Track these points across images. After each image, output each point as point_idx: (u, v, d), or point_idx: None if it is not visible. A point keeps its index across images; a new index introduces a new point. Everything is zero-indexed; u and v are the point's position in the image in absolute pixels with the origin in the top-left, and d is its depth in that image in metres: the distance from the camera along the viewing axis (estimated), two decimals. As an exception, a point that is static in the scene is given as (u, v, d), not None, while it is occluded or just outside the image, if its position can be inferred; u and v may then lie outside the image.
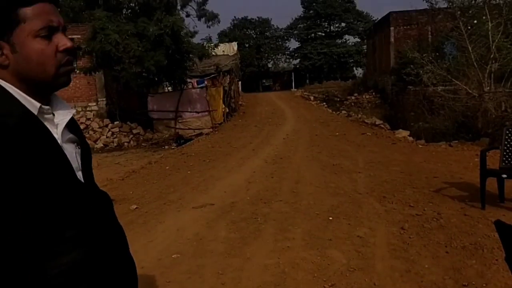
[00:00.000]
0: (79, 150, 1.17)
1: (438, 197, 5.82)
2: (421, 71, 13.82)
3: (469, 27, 12.09)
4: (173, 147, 14.87)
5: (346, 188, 6.61)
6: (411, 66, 15.04)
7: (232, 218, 5.48)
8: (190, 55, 17.18)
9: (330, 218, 5.19)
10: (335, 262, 3.94)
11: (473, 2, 12.59)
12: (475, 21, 12.02)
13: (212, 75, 20.93)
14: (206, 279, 3.76)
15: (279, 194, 6.52)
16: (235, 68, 26.73)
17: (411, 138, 12.24)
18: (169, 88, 19.25)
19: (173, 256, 4.28)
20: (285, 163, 9.08)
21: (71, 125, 1.18)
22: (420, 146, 10.71)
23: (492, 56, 11.68)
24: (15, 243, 1.00)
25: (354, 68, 53.24)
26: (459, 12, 12.43)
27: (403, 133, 12.92)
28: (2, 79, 1.06)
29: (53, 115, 1.13)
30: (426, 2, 13.22)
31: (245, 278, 3.73)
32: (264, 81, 54.33)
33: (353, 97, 28.05)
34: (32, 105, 1.06)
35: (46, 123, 1.08)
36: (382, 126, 15.43)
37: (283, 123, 17.23)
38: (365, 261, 3.92)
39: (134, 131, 17.31)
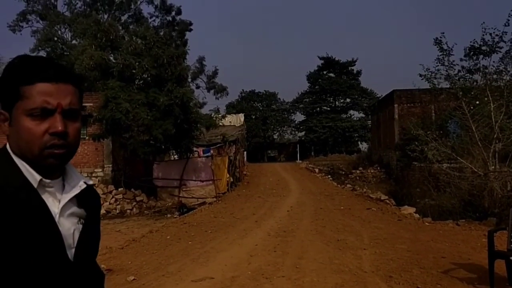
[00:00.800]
0: (81, 226, 1.15)
1: (447, 279, 5.63)
2: (425, 148, 13.96)
3: (471, 107, 12.38)
4: (175, 216, 14.72)
5: (351, 266, 6.42)
6: (416, 142, 15.23)
7: (232, 293, 5.29)
8: (198, 125, 17.58)
9: (334, 298, 4.99)
10: None
11: (474, 84, 13.01)
12: (477, 102, 12.34)
13: (218, 145, 21.24)
14: None
15: (281, 269, 6.34)
16: (241, 138, 27.19)
17: (417, 215, 12.06)
18: (175, 156, 19.48)
19: (168, 334, 4.09)
20: (288, 236, 8.92)
21: (84, 198, 1.17)
22: (427, 224, 10.53)
23: (495, 136, 11.84)
24: None
25: (359, 142, 53.89)
26: (461, 93, 12.80)
27: (409, 210, 12.75)
28: (9, 148, 1.11)
29: (64, 187, 1.14)
30: (428, 82, 13.66)
31: None
32: (269, 152, 54.89)
33: (358, 171, 28.14)
34: (33, 177, 1.08)
35: (46, 197, 1.09)
36: (387, 201, 15.28)
37: (287, 195, 17.14)
38: None
39: (138, 198, 17.26)
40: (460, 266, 6.21)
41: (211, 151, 19.95)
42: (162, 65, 15.77)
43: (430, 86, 14.07)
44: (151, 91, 15.52)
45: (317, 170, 30.43)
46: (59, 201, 1.11)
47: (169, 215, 15.12)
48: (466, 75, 13.34)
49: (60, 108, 1.08)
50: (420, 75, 13.69)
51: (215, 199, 17.08)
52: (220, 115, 19.62)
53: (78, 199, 1.16)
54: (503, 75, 12.66)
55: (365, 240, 8.37)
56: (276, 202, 15.23)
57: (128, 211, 16.58)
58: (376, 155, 29.60)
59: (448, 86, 14.20)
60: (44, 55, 17.88)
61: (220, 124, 19.43)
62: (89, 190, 1.21)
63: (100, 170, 19.06)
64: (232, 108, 49.39)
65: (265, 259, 6.98)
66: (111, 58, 16.03)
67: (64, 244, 1.09)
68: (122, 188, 17.55)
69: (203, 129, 18.30)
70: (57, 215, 1.09)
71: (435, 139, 13.56)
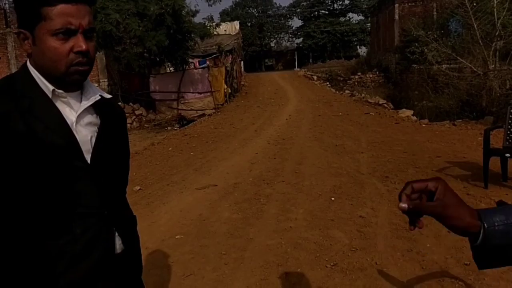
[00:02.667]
0: (96, 134, 1.25)
1: (441, 177, 5.82)
2: (425, 49, 13.69)
3: (474, 4, 11.89)
4: (175, 128, 14.87)
5: (349, 169, 6.63)
6: (416, 44, 14.88)
7: (235, 199, 5.52)
8: (192, 35, 17.02)
9: (332, 199, 5.22)
10: (337, 242, 3.98)
11: (479, -22, 12.34)
12: (481, -3, 11.83)
13: (214, 55, 20.78)
14: (209, 259, 3.81)
15: (281, 175, 6.55)
16: (237, 47, 26.50)
17: (414, 118, 12.18)
18: (171, 68, 19.14)
19: (176, 237, 4.33)
20: (287, 144, 9.09)
21: (103, 112, 1.28)
22: (424, 125, 10.68)
23: (497, 33, 11.52)
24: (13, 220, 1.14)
25: (358, 47, 52.74)
26: (464, -12, 12.21)
27: (406, 113, 12.85)
28: (31, 64, 1.20)
29: (81, 99, 1.24)
30: (432, -22, 12.95)
31: (247, 258, 3.78)
32: (266, 60, 53.96)
33: (356, 77, 27.86)
34: (47, 88, 1.17)
35: (62, 106, 1.19)
36: (385, 105, 15.34)
37: (286, 104, 17.17)
38: (367, 241, 3.95)
39: (137, 112, 17.30)
40: (455, 164, 6.40)
41: (207, 62, 19.56)
42: (150, -29, 14.85)
43: (433, -18, 13.35)
44: (141, 0, 14.79)
45: (315, 78, 30.14)
46: (77, 111, 1.21)
47: (169, 128, 15.28)
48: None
49: (81, 28, 1.15)
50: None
51: (214, 110, 17.14)
52: (214, 24, 18.93)
53: (97, 112, 1.26)
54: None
55: (363, 144, 8.55)
56: (274, 111, 15.30)
57: (128, 125, 16.71)
58: (375, 59, 29.08)
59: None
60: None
61: (215, 33, 18.79)
62: (110, 105, 1.32)
63: (96, 85, 18.63)
64: (226, 16, 47.55)
65: (265, 166, 7.18)
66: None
67: (81, 148, 1.19)
68: (120, 103, 17.50)
69: (198, 39, 17.75)
70: (74, 123, 1.19)
71: (435, 39, 13.23)
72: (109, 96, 1.31)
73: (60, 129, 1.17)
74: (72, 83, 1.20)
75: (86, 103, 1.22)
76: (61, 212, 1.16)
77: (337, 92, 22.10)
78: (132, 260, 1.39)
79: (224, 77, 18.71)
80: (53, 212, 1.15)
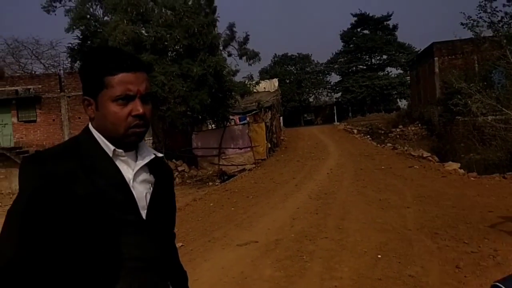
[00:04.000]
0: (150, 190, 1.34)
1: (494, 233, 5.52)
2: (469, 101, 13.43)
3: (517, 55, 11.72)
4: (217, 184, 15.03)
5: (395, 224, 6.40)
6: (458, 96, 14.66)
7: (277, 256, 5.42)
8: (232, 93, 17.59)
9: (379, 256, 5.02)
10: (386, 303, 3.78)
11: (520, 29, 12.25)
12: (523, 49, 11.66)
13: (254, 112, 21.25)
14: (252, 319, 3.70)
15: (324, 230, 6.40)
16: (277, 103, 27.03)
17: (462, 171, 11.76)
18: (213, 125, 19.69)
19: (218, 295, 4.27)
20: (329, 198, 8.94)
21: (155, 169, 1.37)
22: (472, 179, 10.27)
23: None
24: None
25: (398, 100, 52.40)
26: (505, 41, 12.11)
27: (453, 166, 12.43)
28: (93, 127, 1.31)
29: (137, 158, 1.33)
30: (471, 31, 12.96)
31: (291, 319, 3.64)
32: (305, 115, 54.46)
33: (398, 129, 27.51)
34: (108, 148, 1.27)
35: (121, 165, 1.28)
36: (430, 158, 14.92)
37: (326, 158, 17.08)
38: (418, 302, 3.73)
39: (179, 169, 17.70)
40: (508, 219, 6.05)
41: (247, 118, 20.00)
42: (193, 35, 15.72)
43: (472, 35, 13.40)
44: (184, 62, 15.58)
45: (355, 131, 29.99)
46: (133, 169, 1.30)
47: (210, 183, 15.46)
48: (510, 21, 12.56)
49: (139, 94, 1.27)
50: (462, 24, 13.03)
51: (254, 165, 17.27)
52: (254, 82, 19.50)
53: (150, 169, 1.35)
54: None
55: (408, 198, 8.28)
56: (315, 165, 15.22)
57: (171, 181, 17.05)
58: (416, 111, 28.75)
59: (491, 34, 13.45)
60: (79, 34, 18.17)
61: (255, 90, 19.33)
62: (161, 163, 1.41)
63: (141, 143, 19.56)
64: (265, 74, 48.92)
65: (307, 222, 7.06)
66: (143, 31, 16.12)
67: (137, 204, 1.27)
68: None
69: (238, 97, 18.30)
70: (131, 181, 1.28)
71: (479, 91, 13.01)
72: (161, 155, 1.40)
73: (120, 185, 1.25)
74: (130, 143, 1.30)
75: (141, 162, 1.31)
76: (116, 267, 1.22)
77: (379, 145, 21.81)
78: None
79: (265, 132, 18.99)
80: (109, 267, 1.21)
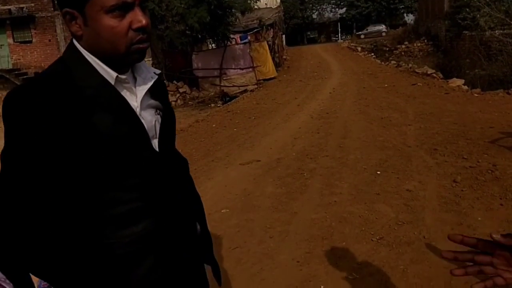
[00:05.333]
0: (159, 116, 1.18)
1: (494, 148, 5.58)
2: (477, 15, 12.91)
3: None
4: (218, 105, 15.03)
5: (395, 142, 6.47)
6: (467, 9, 14.07)
7: (279, 174, 5.55)
8: (233, 10, 16.95)
9: (378, 172, 5.14)
10: (383, 216, 3.93)
11: None
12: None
13: (255, 30, 20.62)
14: (254, 232, 3.88)
15: (325, 149, 6.50)
16: (279, 21, 26.12)
17: (465, 87, 11.62)
18: (213, 45, 19.22)
19: (222, 211, 4.44)
20: (331, 118, 8.97)
21: (155, 90, 1.18)
22: (476, 95, 10.18)
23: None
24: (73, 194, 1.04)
25: (405, 15, 50.49)
26: None
27: (457, 82, 12.27)
28: (82, 47, 1.07)
29: (135, 81, 1.13)
30: None
31: (292, 232, 3.82)
32: (308, 33, 52.92)
33: (403, 46, 26.82)
34: (109, 75, 1.06)
35: (124, 92, 1.09)
36: (434, 75, 14.69)
37: (329, 77, 16.86)
38: (414, 215, 3.88)
39: (181, 90, 17.57)
40: (508, 135, 6.09)
41: (249, 37, 19.46)
42: None
43: None
44: (181, -23, 14.84)
45: (359, 49, 29.32)
46: (136, 95, 1.11)
47: (212, 105, 15.45)
48: None
49: (138, 1, 1.03)
50: None
51: (256, 86, 17.11)
52: (254, -2, 18.68)
53: (151, 90, 1.15)
54: None
55: (410, 116, 8.29)
56: (317, 84, 15.07)
57: (173, 102, 17.01)
58: (423, 27, 27.80)
59: None
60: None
61: (256, 7, 18.62)
62: (159, 82, 1.21)
63: (141, 64, 19.25)
64: (266, -11, 46.67)
65: (308, 141, 7.14)
66: None
67: (149, 136, 1.11)
68: (165, 81, 17.81)
69: (238, 14, 17.67)
70: (138, 108, 1.10)
71: (488, 4, 12.45)
72: (158, 71, 1.22)
73: (129, 118, 1.08)
74: (132, 63, 1.11)
75: (144, 86, 1.13)
76: (133, 209, 1.10)
77: (383, 63, 21.40)
78: (206, 239, 1.39)
79: (267, 51, 18.56)
80: (125, 210, 1.09)
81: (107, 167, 1.04)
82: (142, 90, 1.12)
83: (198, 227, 1.34)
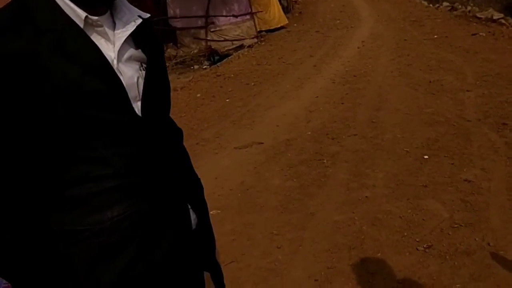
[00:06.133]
0: (143, 72, 1.22)
1: None
2: None
3: None
4: (204, 67, 14.99)
5: (449, 114, 6.47)
6: None
7: (288, 161, 5.57)
8: None
9: (426, 157, 5.15)
10: (433, 217, 3.96)
11: None
12: None
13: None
14: (256, 241, 3.91)
15: (352, 126, 6.51)
16: (286, -51, 25.86)
17: (546, 38, 11.57)
18: (195, -17, 19.04)
19: (212, 213, 4.43)
20: (360, 82, 8.95)
21: (140, 38, 1.23)
22: (560, 48, 10.15)
23: None
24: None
25: None
26: None
27: (534, 31, 12.21)
28: None
29: (114, 24, 1.18)
30: None
31: (308, 239, 3.85)
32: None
33: (459, -19, 26.59)
34: (77, 15, 1.12)
35: (97, 39, 1.14)
36: (502, 21, 14.61)
37: (356, 26, 16.77)
38: (476, 214, 3.91)
39: (152, 47, 17.53)
40: None
41: (245, -28, 19.28)
42: None
43: None
44: None
45: (398, -14, 29.06)
46: (114, 43, 1.16)
47: (196, 66, 15.40)
48: None
49: None
50: None
51: (256, 40, 17.02)
52: None
53: (135, 39, 1.21)
54: None
55: (469, 78, 8.27)
56: (341, 37, 15.01)
57: (142, 65, 17.01)
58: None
59: None
60: None
61: None
62: (146, 27, 1.26)
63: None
64: None
65: (329, 115, 7.14)
66: None
67: (128, 96, 1.16)
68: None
69: None
70: (115, 60, 1.15)
71: None
72: (147, 15, 1.27)
73: (101, 70, 1.12)
74: (104, 1, 1.17)
75: (124, 32, 1.18)
76: (107, 188, 1.15)
77: (431, 5, 21.26)
78: (207, 235, 1.45)
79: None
80: (96, 188, 1.14)
81: (71, 132, 1.09)
82: (121, 37, 1.17)
83: (194, 216, 1.38)
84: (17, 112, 1.05)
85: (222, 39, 17.54)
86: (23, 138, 1.07)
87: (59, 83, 1.07)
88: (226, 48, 17.00)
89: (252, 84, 10.25)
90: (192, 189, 1.41)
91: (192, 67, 15.45)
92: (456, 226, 3.77)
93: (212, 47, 17.26)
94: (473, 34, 12.71)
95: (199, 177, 1.48)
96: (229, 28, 17.76)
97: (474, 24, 14.66)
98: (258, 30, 17.70)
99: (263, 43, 16.36)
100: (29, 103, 1.05)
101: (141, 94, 1.20)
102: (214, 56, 16.48)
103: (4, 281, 1.37)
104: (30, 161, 1.09)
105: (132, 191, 1.18)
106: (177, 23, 18.06)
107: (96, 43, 1.13)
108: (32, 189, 1.11)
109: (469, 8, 17.89)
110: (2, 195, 1.08)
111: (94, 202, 1.15)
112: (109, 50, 1.15)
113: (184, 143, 1.46)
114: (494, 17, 15.06)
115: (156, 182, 1.22)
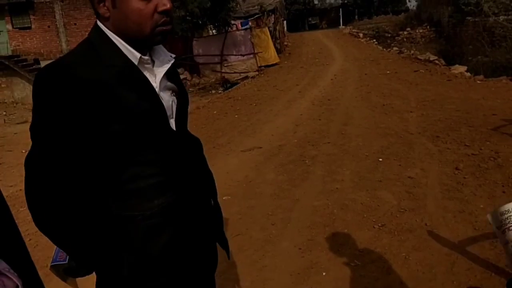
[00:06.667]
0: (175, 98, 1.23)
1: (497, 136, 5.56)
2: (481, 0, 12.76)
3: None
4: (219, 92, 14.96)
5: (397, 129, 6.44)
6: (471, -6, 13.89)
7: (280, 160, 5.54)
8: (233, -4, 16.76)
9: (380, 160, 5.12)
10: (385, 203, 3.93)
11: None
12: None
13: (256, 16, 20.40)
14: (256, 219, 3.89)
15: (327, 136, 6.48)
16: (280, 7, 25.83)
17: (468, 74, 11.53)
18: (213, 31, 19.04)
19: (223, 198, 4.43)
20: (333, 104, 8.92)
21: (171, 73, 1.24)
22: (479, 82, 10.11)
23: None
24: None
25: (407, 0, 49.91)
26: None
27: (459, 69, 12.18)
28: (107, 28, 1.13)
29: (153, 63, 1.19)
30: None
31: (294, 219, 3.82)
32: (310, 19, 52.34)
33: (405, 32, 26.52)
34: (133, 55, 1.12)
35: (146, 73, 1.15)
36: (437, 62, 14.58)
37: (330, 63, 16.74)
38: (416, 202, 3.88)
39: (182, 77, 17.48)
40: (511, 122, 6.05)
41: (250, 23, 19.26)
42: None
43: None
44: (181, -38, 14.65)
45: (361, 35, 29.02)
46: (155, 76, 1.17)
47: (213, 91, 15.39)
48: None
49: None
50: None
51: (257, 72, 17.00)
52: (255, -17, 18.46)
53: (167, 73, 1.22)
54: None
55: (412, 103, 8.24)
56: (319, 71, 14.98)
57: (174, 90, 16.96)
58: (425, 12, 27.47)
59: None
60: None
61: (257, -8, 18.39)
62: (174, 66, 1.27)
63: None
64: (268, -26, 46.13)
65: (310, 128, 7.11)
66: None
67: (167, 115, 1.17)
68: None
69: (239, 0, 17.46)
70: (157, 89, 1.16)
71: (493, -12, 12.29)
72: (174, 55, 1.27)
73: (151, 97, 1.14)
74: (155, 44, 1.17)
75: (163, 68, 1.19)
76: (152, 184, 1.16)
77: (385, 49, 21.22)
78: (218, 214, 1.45)
79: (269, 37, 18.39)
80: (145, 184, 1.15)
81: (129, 141, 1.11)
82: (161, 71, 1.18)
83: (212, 202, 1.40)
84: (88, 126, 1.06)
85: (233, 71, 17.55)
86: (92, 146, 1.08)
87: (121, 104, 1.08)
88: (235, 78, 16.99)
89: (254, 104, 10.23)
90: (209, 182, 1.41)
91: (210, 92, 15.43)
92: (402, 210, 3.75)
93: (225, 77, 17.26)
94: (415, 71, 12.69)
95: (212, 173, 1.48)
96: (238, 63, 17.77)
97: (416, 63, 14.62)
98: (259, 65, 17.70)
99: (262, 75, 16.34)
100: (97, 119, 1.06)
101: (174, 113, 1.22)
102: (227, 84, 16.47)
103: (61, 251, 1.35)
104: (95, 164, 1.11)
105: (171, 185, 1.19)
106: (200, 59, 18.07)
107: (146, 75, 1.15)
108: (96, 184, 1.12)
109: (412, 51, 17.90)
110: (73, 187, 1.09)
111: (144, 194, 1.15)
112: (152, 81, 1.16)
113: (204, 147, 1.46)
114: (431, 59, 15.05)
115: (187, 178, 1.23)
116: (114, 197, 1.14)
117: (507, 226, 0.90)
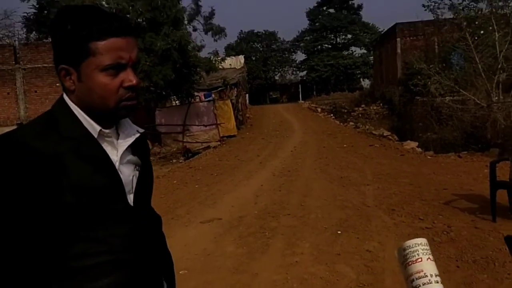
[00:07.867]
0: (137, 172, 1.20)
1: (448, 210, 5.76)
2: (428, 82, 13.79)
3: (475, 38, 12.07)
4: (181, 161, 14.89)
5: (355, 201, 6.56)
6: (418, 76, 15.01)
7: (240, 232, 5.45)
8: (197, 69, 17.29)
9: (339, 232, 5.15)
10: (344, 278, 3.89)
11: (479, 12, 12.59)
12: (482, 32, 12.01)
13: (220, 88, 21.03)
14: (213, 295, 3.73)
15: (287, 207, 6.49)
16: (242, 81, 26.87)
17: (419, 149, 12.15)
18: (177, 102, 19.35)
19: (180, 272, 4.25)
20: (293, 176, 9.05)
21: (137, 147, 1.22)
22: (429, 157, 10.64)
23: (499, 66, 11.63)
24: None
25: (361, 79, 53.15)
26: (465, 23, 12.44)
27: (411, 144, 12.83)
28: (71, 101, 1.12)
29: (118, 135, 1.18)
30: (432, 13, 13.21)
31: (253, 294, 3.70)
32: (271, 93, 54.39)
33: (360, 109, 27.97)
34: (93, 128, 1.11)
35: (106, 146, 1.13)
36: (390, 137, 15.34)
37: (290, 135, 17.22)
38: (375, 276, 3.87)
39: (142, 145, 17.36)
40: (462, 197, 6.32)
41: (213, 95, 19.78)
42: (157, 8, 15.24)
43: (433, 17, 13.65)
44: (147, 36, 15.11)
45: (319, 110, 30.32)
46: (117, 150, 1.15)
47: (174, 160, 15.30)
48: (471, 4, 12.94)
49: (131, 62, 1.11)
50: (424, 6, 13.23)
51: (219, 143, 17.19)
52: (219, 58, 19.20)
53: (132, 147, 1.19)
54: (509, 1, 12.23)
55: (368, 176, 8.49)
56: (279, 143, 15.33)
57: (134, 158, 16.74)
58: (378, 91, 29.29)
59: (451, 16, 13.78)
60: (35, 3, 17.27)
61: (220, 67, 19.08)
62: (141, 138, 1.25)
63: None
64: (231, 50, 48.26)
65: (270, 199, 7.13)
66: (103, 3, 15.47)
67: (125, 190, 1.14)
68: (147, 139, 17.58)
69: (203, 73, 18.03)
70: (117, 163, 1.13)
71: (438, 72, 13.37)
72: (142, 130, 1.25)
73: (108, 171, 1.11)
74: (119, 118, 1.16)
75: (125, 142, 1.17)
76: (105, 261, 1.10)
77: (341, 124, 22.17)
78: None
79: (231, 109, 18.87)
80: (97, 261, 1.09)
81: (80, 216, 1.06)
82: (123, 145, 1.16)
83: (165, 286, 1.32)
84: (37, 200, 1.02)
85: (195, 141, 17.65)
86: (38, 220, 1.03)
87: (75, 178, 1.05)
88: (197, 148, 17.05)
89: (215, 174, 10.21)
90: (166, 264, 1.35)
91: (171, 161, 15.33)
92: (361, 285, 3.72)
93: (187, 146, 17.30)
94: (370, 145, 13.23)
95: (169, 251, 1.42)
96: (200, 133, 17.95)
97: (371, 138, 15.28)
98: (221, 135, 17.94)
99: (224, 145, 16.51)
100: (48, 193, 1.02)
101: (134, 188, 1.18)
102: (188, 154, 16.46)
103: None
104: (39, 239, 1.04)
105: (122, 265, 1.12)
106: (162, 129, 18.13)
107: (105, 149, 1.13)
108: (38, 262, 1.05)
109: (367, 127, 18.77)
110: (11, 266, 1.02)
111: (90, 273, 1.09)
112: (113, 155, 1.14)
113: (163, 218, 1.42)
114: (385, 134, 15.82)
115: (142, 258, 1.17)
116: (57, 277, 1.07)
117: (407, 262, 0.94)
